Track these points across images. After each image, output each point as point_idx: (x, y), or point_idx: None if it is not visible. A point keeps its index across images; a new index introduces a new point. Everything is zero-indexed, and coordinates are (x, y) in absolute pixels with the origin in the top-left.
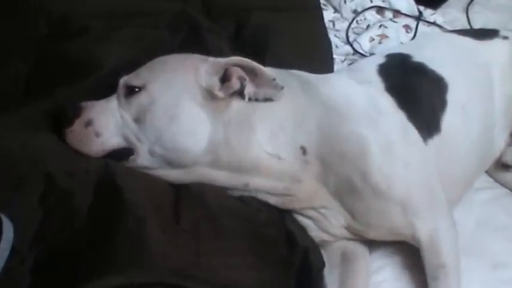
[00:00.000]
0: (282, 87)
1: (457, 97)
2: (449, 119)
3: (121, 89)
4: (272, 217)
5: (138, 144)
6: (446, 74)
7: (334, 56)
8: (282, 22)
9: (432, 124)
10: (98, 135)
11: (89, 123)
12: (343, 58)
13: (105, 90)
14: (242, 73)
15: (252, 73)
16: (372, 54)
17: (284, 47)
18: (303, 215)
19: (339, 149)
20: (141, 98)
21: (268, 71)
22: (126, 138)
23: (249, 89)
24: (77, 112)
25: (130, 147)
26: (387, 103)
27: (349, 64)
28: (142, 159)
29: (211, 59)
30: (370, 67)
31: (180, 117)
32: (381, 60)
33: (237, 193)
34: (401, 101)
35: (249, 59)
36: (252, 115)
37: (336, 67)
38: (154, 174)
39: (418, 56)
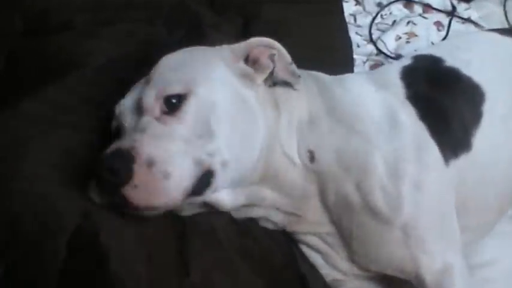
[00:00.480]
0: (299, 76)
1: (496, 109)
2: (483, 135)
3: (156, 106)
4: (286, 257)
5: (213, 161)
6: (484, 82)
7: (355, 56)
8: (296, 17)
9: (460, 141)
10: (167, 176)
11: (151, 164)
12: (365, 59)
13: (91, 88)
14: (268, 51)
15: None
16: (398, 55)
17: (297, 48)
18: (310, 247)
19: (345, 161)
20: (195, 106)
21: (288, 54)
22: (198, 162)
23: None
24: (128, 156)
25: (208, 170)
26: (406, 113)
27: (372, 66)
28: (222, 178)
29: (226, 46)
30: (392, 70)
31: (245, 109)
32: (406, 62)
33: (243, 214)
34: (424, 112)
35: None
36: (275, 105)
37: (356, 69)
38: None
39: (451, 60)
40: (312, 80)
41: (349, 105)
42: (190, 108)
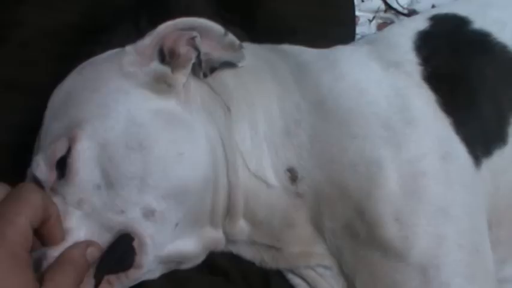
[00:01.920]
0: (241, 46)
1: None
2: None
3: (51, 176)
4: None
5: (127, 218)
6: None
7: (358, 13)
8: None
9: (494, 132)
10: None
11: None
12: (371, 16)
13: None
14: (187, 34)
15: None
16: (411, 11)
17: (284, 2)
18: (293, 272)
19: (338, 177)
20: (80, 156)
21: (216, 25)
22: (107, 228)
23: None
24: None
25: (125, 233)
26: (424, 102)
27: (380, 25)
28: (154, 234)
29: (129, 47)
30: (403, 38)
31: (166, 128)
32: (422, 25)
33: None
34: (447, 98)
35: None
36: (222, 108)
37: (359, 30)
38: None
39: (481, 20)
40: (283, 61)
41: (343, 97)
42: (74, 163)
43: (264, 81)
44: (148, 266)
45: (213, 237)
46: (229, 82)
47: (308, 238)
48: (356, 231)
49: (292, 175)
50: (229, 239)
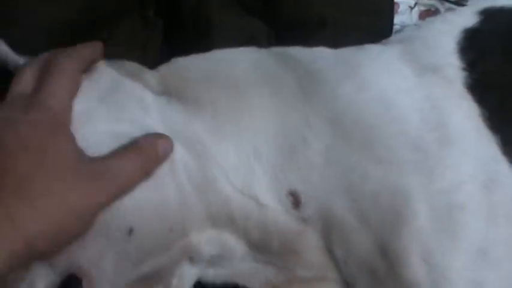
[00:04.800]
0: None
1: None
2: None
3: None
4: None
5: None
6: None
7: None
8: None
9: None
10: None
11: None
12: (412, 3)
13: None
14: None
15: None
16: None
17: None
18: None
19: (357, 207)
20: None
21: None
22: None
23: None
24: None
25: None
26: (465, 117)
27: (422, 13)
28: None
29: None
30: (445, 36)
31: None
32: (470, 21)
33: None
34: (495, 113)
35: None
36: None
37: (398, 19)
38: None
39: None
40: (293, 73)
41: (365, 112)
42: None
43: (256, 94)
44: None
45: (190, 249)
46: (200, 90)
47: (318, 263)
48: (374, 267)
49: (295, 199)
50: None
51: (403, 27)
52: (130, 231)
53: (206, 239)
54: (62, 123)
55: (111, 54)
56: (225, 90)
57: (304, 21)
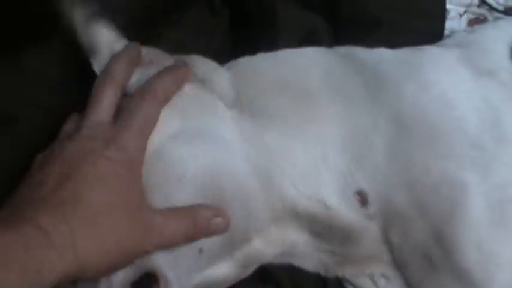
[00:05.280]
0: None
1: None
2: None
3: None
4: None
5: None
6: None
7: (449, 6)
8: None
9: None
10: None
11: None
12: (462, 10)
13: None
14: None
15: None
16: (509, 9)
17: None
18: (351, 283)
19: (417, 199)
20: None
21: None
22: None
23: None
24: None
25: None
26: None
27: (471, 21)
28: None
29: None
30: (499, 42)
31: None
32: None
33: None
34: None
35: None
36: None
37: (448, 25)
38: None
39: None
40: (359, 76)
41: (428, 111)
42: None
43: (326, 103)
44: None
45: (254, 253)
46: (271, 101)
47: (373, 250)
48: (430, 253)
49: (362, 198)
50: (285, 252)
51: (452, 32)
52: (200, 251)
53: (270, 241)
54: (136, 165)
55: (178, 40)
56: (297, 101)
57: (361, 21)
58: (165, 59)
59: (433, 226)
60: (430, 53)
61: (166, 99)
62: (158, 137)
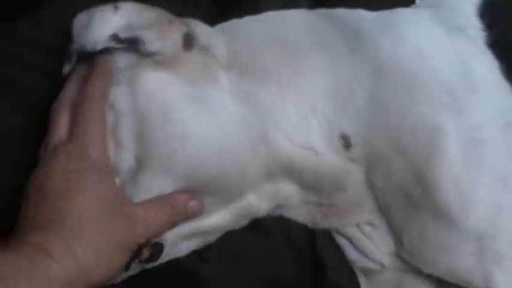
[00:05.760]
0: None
1: None
2: None
3: None
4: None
5: None
6: None
7: None
8: None
9: None
10: None
11: None
12: None
13: None
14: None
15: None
16: None
17: None
18: (339, 233)
19: (397, 142)
20: None
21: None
22: None
23: None
24: None
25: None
26: (487, 69)
27: None
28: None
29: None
30: (467, 3)
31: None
32: None
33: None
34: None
35: None
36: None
37: None
38: None
39: None
40: (340, 31)
41: (404, 62)
42: None
43: (312, 56)
44: (169, 245)
45: (248, 207)
46: (267, 59)
47: (358, 196)
48: (410, 192)
49: (346, 142)
50: (277, 204)
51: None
52: None
53: (264, 196)
54: (103, 167)
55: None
56: (287, 56)
57: None
58: (169, 21)
59: (413, 167)
60: (404, 13)
61: (103, 97)
62: (163, 97)
